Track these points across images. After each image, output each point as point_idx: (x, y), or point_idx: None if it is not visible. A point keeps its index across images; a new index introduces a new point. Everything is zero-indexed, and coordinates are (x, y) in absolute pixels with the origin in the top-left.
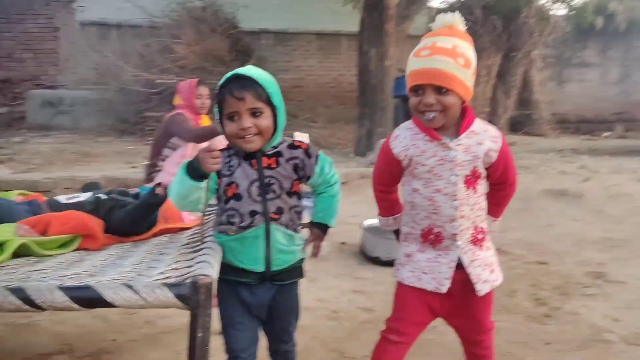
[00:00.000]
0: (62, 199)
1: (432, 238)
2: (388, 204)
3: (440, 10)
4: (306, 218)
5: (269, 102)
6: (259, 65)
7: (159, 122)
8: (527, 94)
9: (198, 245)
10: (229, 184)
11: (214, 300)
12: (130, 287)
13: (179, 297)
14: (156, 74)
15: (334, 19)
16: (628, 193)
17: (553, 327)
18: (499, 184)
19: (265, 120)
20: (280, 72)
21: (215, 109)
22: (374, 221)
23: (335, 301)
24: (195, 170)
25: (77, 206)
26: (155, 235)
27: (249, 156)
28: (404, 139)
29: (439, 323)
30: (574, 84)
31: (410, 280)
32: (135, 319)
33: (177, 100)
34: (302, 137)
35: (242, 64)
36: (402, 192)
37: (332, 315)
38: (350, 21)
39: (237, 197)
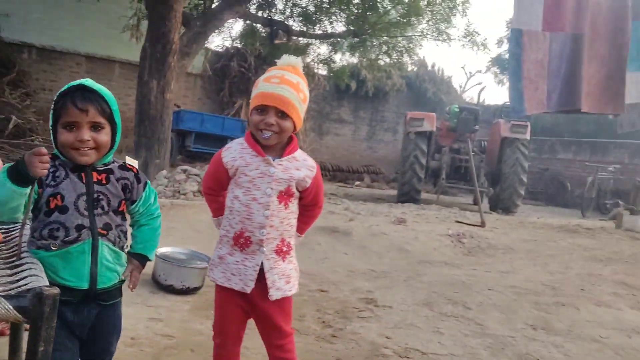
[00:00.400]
0: None
1: (242, 241)
2: (218, 205)
3: (216, 53)
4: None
5: (111, 119)
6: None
7: None
8: None
9: (15, 261)
10: (53, 195)
11: None
12: None
13: (19, 309)
14: None
15: (107, 44)
16: (385, 232)
17: (340, 346)
18: (310, 205)
19: (105, 136)
20: (43, 91)
21: (51, 115)
22: (167, 249)
23: (132, 328)
24: (19, 174)
25: None
26: None
27: (78, 169)
28: (234, 152)
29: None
30: (331, 137)
31: (221, 280)
32: None
33: None
34: (132, 162)
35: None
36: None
37: (131, 342)
38: (123, 49)
39: (62, 209)
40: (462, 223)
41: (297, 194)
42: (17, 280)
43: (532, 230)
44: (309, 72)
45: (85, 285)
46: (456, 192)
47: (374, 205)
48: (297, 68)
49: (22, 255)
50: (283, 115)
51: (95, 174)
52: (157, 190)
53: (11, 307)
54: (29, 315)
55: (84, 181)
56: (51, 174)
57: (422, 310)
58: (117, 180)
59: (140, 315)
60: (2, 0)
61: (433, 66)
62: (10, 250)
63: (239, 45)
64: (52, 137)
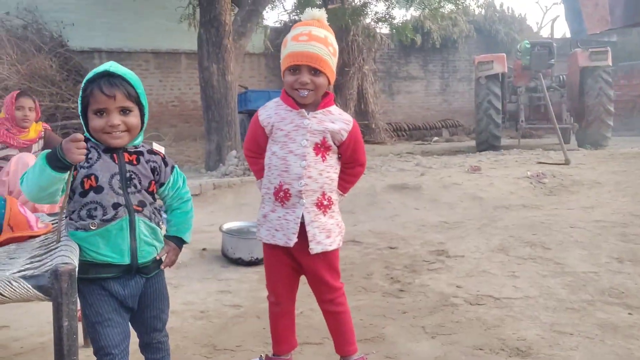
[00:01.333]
0: None
1: (282, 195)
2: (259, 167)
3: (275, 29)
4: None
5: (138, 101)
6: None
7: None
8: (364, 106)
9: (54, 245)
10: (87, 176)
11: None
12: None
13: (39, 287)
14: None
15: (170, 37)
16: (457, 183)
17: (407, 299)
18: (349, 162)
19: (134, 119)
20: None
21: (79, 102)
22: (234, 224)
23: (202, 302)
24: (58, 161)
25: None
26: (0, 245)
27: (109, 150)
28: (270, 109)
29: (304, 309)
30: (403, 96)
31: (266, 238)
32: None
33: (2, 113)
34: (159, 148)
35: (75, 84)
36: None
37: (200, 315)
38: (187, 39)
39: (97, 189)
40: (544, 163)
41: (334, 147)
42: (45, 263)
43: (623, 162)
44: (369, 33)
45: (127, 261)
46: (542, 134)
47: (448, 157)
48: (322, 21)
49: (62, 239)
50: (316, 72)
51: (126, 155)
52: (229, 171)
53: (30, 286)
54: (49, 292)
55: (116, 161)
56: (86, 156)
57: (497, 256)
58: (147, 162)
59: (210, 289)
60: (66, 11)
61: (502, 6)
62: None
63: (296, 18)
64: (82, 123)
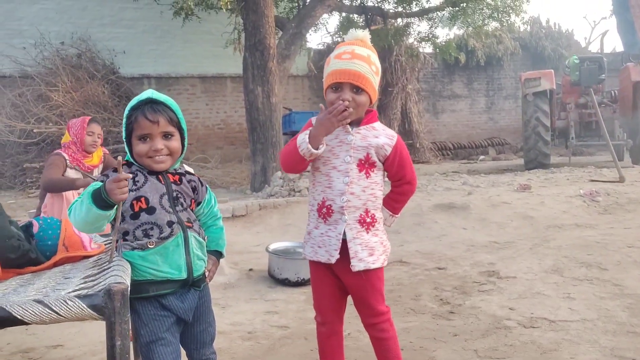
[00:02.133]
0: None
1: (324, 211)
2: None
3: (318, 51)
4: None
5: (178, 126)
6: None
7: (40, 172)
8: (408, 125)
9: (106, 265)
10: (137, 199)
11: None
12: (40, 302)
13: (93, 307)
14: (33, 124)
15: (216, 62)
16: (506, 201)
17: (458, 322)
18: (397, 180)
19: (176, 143)
20: None
21: (124, 128)
22: (280, 245)
23: (249, 323)
24: (102, 201)
25: None
26: (56, 265)
27: (154, 172)
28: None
29: (351, 330)
30: (448, 115)
31: (310, 255)
32: None
33: (66, 137)
34: (188, 169)
35: None
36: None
37: (247, 336)
38: (232, 64)
39: (149, 210)
40: (598, 181)
41: (379, 164)
42: (99, 282)
43: None
44: (412, 53)
45: (184, 275)
46: (593, 151)
47: (496, 176)
48: (366, 41)
49: (114, 260)
50: (358, 90)
51: (170, 175)
52: (274, 192)
53: (85, 306)
54: (102, 312)
55: (163, 182)
56: (131, 180)
57: (551, 277)
58: (188, 182)
59: (257, 310)
60: (118, 40)
61: (548, 22)
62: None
63: (339, 39)
64: (127, 149)
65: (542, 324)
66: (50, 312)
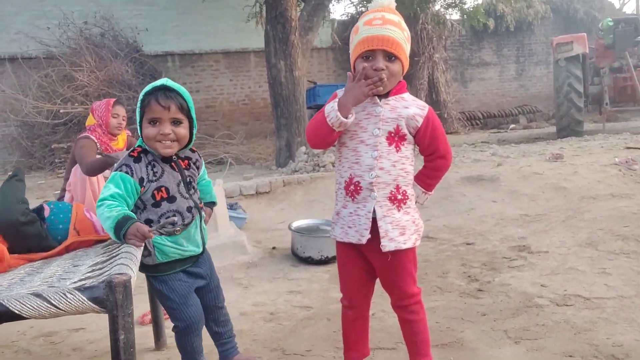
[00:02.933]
0: None
1: (352, 189)
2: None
3: (342, 22)
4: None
5: (188, 115)
6: None
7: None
8: (435, 95)
9: (115, 253)
10: (157, 189)
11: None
12: (39, 295)
13: (94, 300)
14: (59, 104)
15: (239, 36)
16: (538, 172)
17: (487, 300)
18: (429, 154)
19: (183, 130)
20: (191, 93)
21: (137, 112)
22: (302, 222)
23: (272, 304)
24: (118, 239)
25: None
26: (67, 250)
27: (167, 159)
28: None
29: (375, 310)
30: (476, 83)
31: (340, 237)
32: (62, 348)
33: (90, 120)
34: None
35: None
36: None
37: (270, 317)
38: (255, 38)
39: (170, 199)
40: (634, 148)
41: (410, 137)
42: (105, 272)
43: None
44: (439, 20)
45: (200, 250)
46: (628, 117)
47: (527, 145)
48: (392, 8)
49: (122, 246)
50: (391, 57)
51: (180, 162)
52: (299, 167)
53: (85, 299)
54: (104, 304)
55: (177, 170)
56: (151, 170)
57: (585, 251)
58: (194, 162)
59: (280, 290)
60: (140, 17)
61: None
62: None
63: (362, 9)
64: (139, 131)
65: (576, 301)
66: (49, 306)
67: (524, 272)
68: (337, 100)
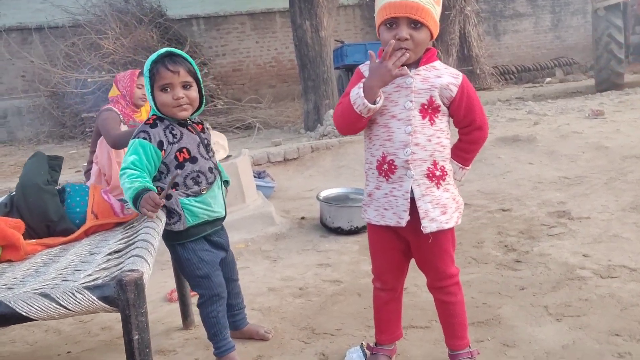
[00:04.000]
0: None
1: (385, 168)
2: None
3: None
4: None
5: (196, 77)
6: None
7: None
8: (467, 50)
9: (132, 239)
10: (179, 150)
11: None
12: (46, 295)
13: (104, 299)
14: (87, 74)
15: None
16: (577, 131)
17: (525, 272)
18: (465, 126)
19: (194, 93)
20: (217, 57)
21: (146, 82)
22: (331, 191)
23: (301, 278)
24: (135, 207)
25: None
26: (87, 234)
27: (183, 124)
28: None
29: (408, 284)
30: (510, 36)
31: (376, 219)
32: (91, 327)
33: (113, 91)
34: None
35: None
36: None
37: (299, 292)
38: None
39: (192, 160)
40: None
41: (444, 108)
42: (122, 262)
43: None
44: None
45: (224, 212)
46: None
47: (564, 101)
48: None
49: (140, 231)
50: (417, 25)
51: (195, 125)
52: (326, 131)
53: (95, 298)
54: (116, 304)
55: (194, 132)
56: (170, 134)
57: (630, 216)
58: (207, 128)
59: (309, 263)
60: None
61: None
62: (140, 223)
63: None
64: (151, 101)
65: (621, 272)
66: (57, 307)
67: (564, 241)
68: (362, 84)
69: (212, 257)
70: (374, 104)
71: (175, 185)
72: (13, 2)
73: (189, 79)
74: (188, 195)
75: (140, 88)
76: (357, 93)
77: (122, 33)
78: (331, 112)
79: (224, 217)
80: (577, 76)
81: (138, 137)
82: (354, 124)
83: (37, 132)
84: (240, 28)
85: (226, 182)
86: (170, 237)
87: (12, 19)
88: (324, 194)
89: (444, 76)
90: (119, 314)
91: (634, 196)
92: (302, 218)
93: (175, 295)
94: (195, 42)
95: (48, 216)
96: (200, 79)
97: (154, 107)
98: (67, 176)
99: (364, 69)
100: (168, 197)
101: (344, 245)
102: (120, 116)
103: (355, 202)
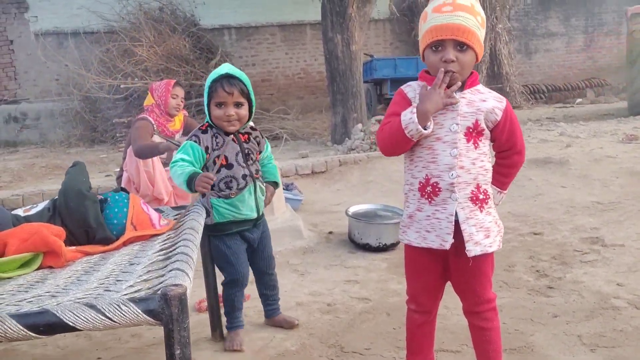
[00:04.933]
0: (20, 212)
1: (429, 190)
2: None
3: None
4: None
5: (248, 98)
6: (225, 61)
7: (129, 127)
8: (497, 68)
9: (171, 251)
10: (218, 157)
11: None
12: (92, 306)
13: (149, 312)
14: (119, 79)
15: (295, 9)
16: (611, 155)
17: (558, 299)
18: (505, 150)
19: (244, 111)
20: (247, 67)
21: (206, 96)
22: (360, 207)
23: (329, 294)
24: (191, 190)
25: (37, 217)
26: (125, 244)
27: (228, 134)
28: (415, 89)
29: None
30: (541, 55)
31: (417, 241)
32: (121, 333)
33: (149, 100)
34: (252, 124)
35: (207, 62)
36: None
37: (327, 308)
38: (312, 10)
39: (229, 166)
40: None
41: (487, 132)
42: (163, 275)
43: None
44: None
45: (255, 215)
46: None
47: (597, 123)
48: None
49: (178, 243)
50: (463, 47)
51: (241, 136)
52: (355, 145)
53: (140, 311)
54: (160, 317)
55: (237, 142)
56: (214, 141)
57: None
58: (254, 138)
59: (337, 278)
60: None
61: None
62: (178, 235)
63: None
64: (207, 112)
65: None
66: (103, 318)
67: (598, 268)
68: (414, 109)
69: (238, 246)
70: (425, 129)
71: (212, 186)
72: (50, 6)
73: (242, 99)
74: (219, 197)
75: (174, 98)
76: (410, 118)
77: (156, 41)
78: (359, 126)
79: (257, 218)
80: (609, 98)
81: (190, 139)
82: (401, 146)
83: (69, 135)
84: (270, 39)
85: (274, 184)
86: (205, 229)
87: (49, 24)
88: (352, 209)
89: (489, 100)
90: None
91: None
92: (330, 232)
93: (205, 305)
94: (226, 52)
95: (87, 222)
96: (253, 98)
97: (208, 117)
98: (98, 180)
99: (407, 90)
100: (218, 171)
101: (372, 262)
102: (154, 125)
103: (384, 219)
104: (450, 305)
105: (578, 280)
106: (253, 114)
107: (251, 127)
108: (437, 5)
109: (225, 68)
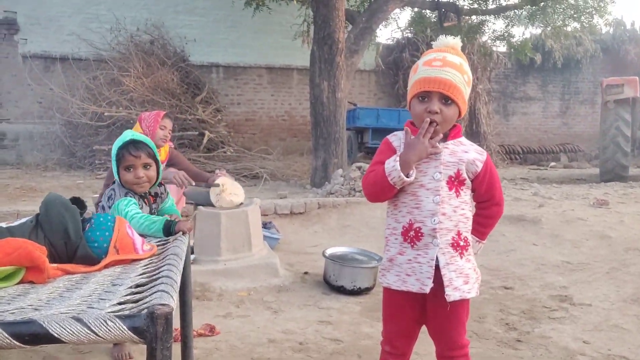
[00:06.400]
0: (3, 224)
1: (412, 235)
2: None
3: (387, 46)
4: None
5: (155, 159)
6: (211, 97)
7: (109, 155)
8: (475, 127)
9: (155, 274)
10: None
11: None
12: (79, 320)
13: (134, 329)
14: (104, 107)
15: (284, 53)
16: (582, 218)
17: (526, 352)
18: (485, 201)
19: (153, 172)
20: (232, 105)
21: (113, 163)
22: (337, 249)
23: (301, 333)
24: (168, 231)
25: (19, 227)
26: (106, 267)
27: (142, 196)
28: (400, 138)
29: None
30: (519, 117)
31: (397, 284)
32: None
33: (136, 129)
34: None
35: (193, 97)
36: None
37: (299, 347)
38: (300, 55)
39: None
40: None
41: (468, 182)
42: (148, 296)
43: None
44: (485, 52)
45: None
46: None
47: (570, 187)
48: (457, 48)
49: (162, 268)
50: (447, 100)
51: (151, 197)
52: (334, 190)
53: (125, 328)
54: (144, 335)
55: (147, 204)
56: (137, 204)
57: (630, 308)
58: (159, 196)
59: (310, 318)
60: (190, 28)
61: (633, 24)
62: (161, 260)
63: (409, 35)
64: (117, 178)
65: None
66: (89, 332)
67: (566, 325)
68: (397, 158)
69: None
70: (408, 177)
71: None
72: (42, 30)
73: (149, 160)
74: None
75: (162, 129)
76: (392, 166)
77: (144, 73)
78: (340, 171)
79: None
80: (582, 164)
81: (127, 196)
82: (385, 193)
83: (46, 159)
84: (257, 80)
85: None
86: None
87: (38, 47)
88: (329, 251)
89: (470, 152)
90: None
91: (635, 288)
92: (306, 273)
93: (178, 335)
94: (212, 89)
95: (67, 232)
96: (159, 159)
97: (118, 182)
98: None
99: (393, 139)
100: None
101: (346, 304)
102: None
103: (361, 263)
104: (420, 352)
105: (546, 336)
106: (161, 176)
107: (160, 185)
108: (429, 59)
109: (129, 134)
